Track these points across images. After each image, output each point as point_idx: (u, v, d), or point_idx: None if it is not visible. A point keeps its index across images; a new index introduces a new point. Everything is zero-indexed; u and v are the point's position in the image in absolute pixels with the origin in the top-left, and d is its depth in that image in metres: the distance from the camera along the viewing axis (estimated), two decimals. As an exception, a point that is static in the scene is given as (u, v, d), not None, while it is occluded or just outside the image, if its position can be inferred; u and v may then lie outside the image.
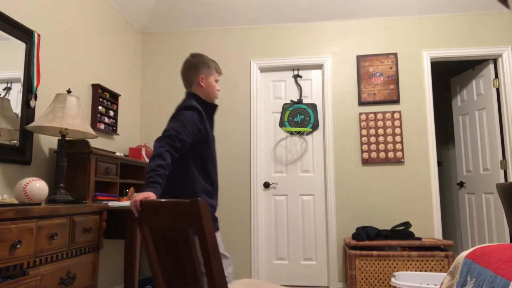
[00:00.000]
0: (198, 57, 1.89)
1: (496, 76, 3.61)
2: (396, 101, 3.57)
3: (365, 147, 3.54)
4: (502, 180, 3.48)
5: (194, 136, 1.68)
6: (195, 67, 1.86)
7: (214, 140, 1.86)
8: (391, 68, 3.61)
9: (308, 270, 3.53)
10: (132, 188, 2.89)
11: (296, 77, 3.80)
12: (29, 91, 2.24)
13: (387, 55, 3.63)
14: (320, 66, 3.77)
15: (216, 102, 1.96)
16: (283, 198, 3.66)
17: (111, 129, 3.20)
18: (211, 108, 1.89)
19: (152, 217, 1.31)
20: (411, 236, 3.16)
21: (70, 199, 2.15)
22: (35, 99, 2.27)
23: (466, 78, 4.08)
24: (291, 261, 3.56)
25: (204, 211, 1.16)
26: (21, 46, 2.21)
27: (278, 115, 3.77)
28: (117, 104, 3.32)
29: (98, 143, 3.01)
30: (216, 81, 1.93)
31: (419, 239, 3.15)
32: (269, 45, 3.80)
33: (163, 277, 1.35)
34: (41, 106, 2.35)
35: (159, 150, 1.53)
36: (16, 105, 2.16)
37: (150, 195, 1.36)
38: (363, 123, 3.57)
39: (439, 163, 5.08)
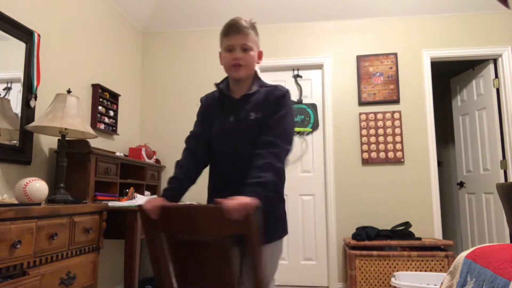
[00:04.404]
0: None
1: (496, 76, 3.61)
2: (396, 101, 3.56)
3: (365, 147, 3.54)
4: (502, 180, 3.47)
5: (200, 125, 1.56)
6: None
7: (227, 123, 1.47)
8: (391, 68, 3.61)
9: (308, 270, 3.53)
10: (132, 188, 2.88)
11: (296, 77, 3.80)
12: (29, 91, 2.24)
13: (387, 55, 3.63)
14: (320, 66, 3.77)
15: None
16: (283, 198, 3.66)
17: (111, 129, 3.20)
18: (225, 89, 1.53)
19: (178, 223, 1.24)
20: (411, 236, 3.16)
21: (70, 199, 2.15)
22: (35, 99, 2.27)
23: (466, 78, 4.08)
24: (291, 261, 3.56)
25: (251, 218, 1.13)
26: (21, 46, 2.21)
27: (278, 115, 3.76)
28: (117, 104, 3.32)
29: (98, 143, 3.01)
30: (227, 49, 1.46)
31: (419, 239, 3.14)
32: (269, 45, 3.79)
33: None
34: (41, 106, 2.35)
35: None
36: (16, 105, 2.16)
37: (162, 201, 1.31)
38: (363, 123, 3.57)
39: (439, 163, 5.07)
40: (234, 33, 1.44)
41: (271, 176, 1.28)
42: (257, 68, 1.57)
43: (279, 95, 1.44)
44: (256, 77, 1.52)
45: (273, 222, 1.44)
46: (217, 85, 1.55)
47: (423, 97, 3.56)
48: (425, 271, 2.92)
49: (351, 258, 3.02)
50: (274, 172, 1.30)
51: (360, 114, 3.59)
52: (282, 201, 1.51)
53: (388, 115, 3.55)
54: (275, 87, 1.48)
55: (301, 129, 3.64)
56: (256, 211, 1.15)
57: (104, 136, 3.14)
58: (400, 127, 3.52)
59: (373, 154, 3.52)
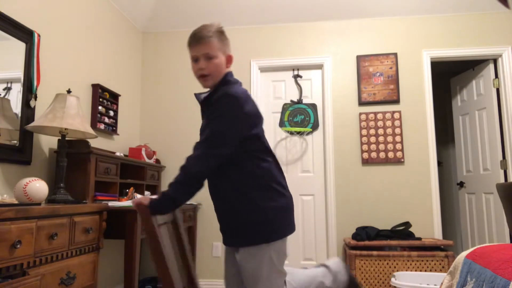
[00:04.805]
0: None
1: (496, 76, 3.61)
2: (396, 101, 3.57)
3: (365, 147, 3.54)
4: (502, 180, 3.47)
5: None
6: None
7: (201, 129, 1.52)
8: (391, 68, 3.61)
9: (308, 270, 3.53)
10: (132, 188, 2.89)
11: (296, 77, 3.80)
12: (29, 91, 2.24)
13: (387, 55, 3.63)
14: (320, 66, 3.77)
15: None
16: (283, 198, 3.65)
17: (111, 129, 3.20)
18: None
19: None
20: (411, 236, 3.16)
21: (70, 199, 2.15)
22: (35, 99, 2.27)
23: (466, 78, 4.08)
24: (291, 261, 3.56)
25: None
26: (21, 46, 2.21)
27: (278, 115, 3.76)
28: (117, 104, 3.32)
29: (98, 143, 3.01)
30: (192, 59, 1.48)
31: (419, 239, 3.14)
32: (269, 45, 3.80)
33: None
34: (41, 106, 2.35)
35: None
36: (16, 105, 2.16)
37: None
38: (363, 123, 3.57)
39: (439, 163, 5.07)
40: (195, 43, 1.44)
41: (178, 178, 1.36)
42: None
43: (215, 98, 1.40)
44: (219, 83, 1.47)
45: (245, 226, 1.40)
46: (195, 94, 1.57)
47: (423, 97, 3.56)
48: (425, 271, 2.92)
49: (351, 258, 3.02)
50: (184, 175, 1.35)
51: (360, 114, 3.59)
52: (253, 204, 1.39)
53: (388, 115, 3.55)
54: (219, 91, 1.42)
55: (301, 129, 3.64)
56: (146, 210, 1.34)
57: (104, 136, 3.14)
58: (400, 127, 3.52)
59: (373, 154, 3.52)
